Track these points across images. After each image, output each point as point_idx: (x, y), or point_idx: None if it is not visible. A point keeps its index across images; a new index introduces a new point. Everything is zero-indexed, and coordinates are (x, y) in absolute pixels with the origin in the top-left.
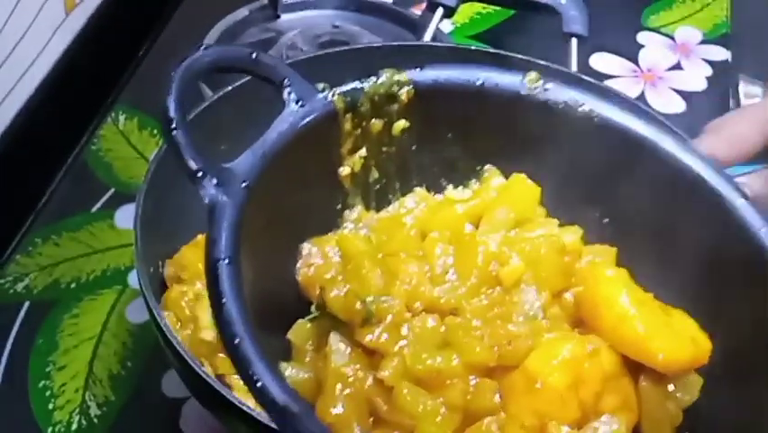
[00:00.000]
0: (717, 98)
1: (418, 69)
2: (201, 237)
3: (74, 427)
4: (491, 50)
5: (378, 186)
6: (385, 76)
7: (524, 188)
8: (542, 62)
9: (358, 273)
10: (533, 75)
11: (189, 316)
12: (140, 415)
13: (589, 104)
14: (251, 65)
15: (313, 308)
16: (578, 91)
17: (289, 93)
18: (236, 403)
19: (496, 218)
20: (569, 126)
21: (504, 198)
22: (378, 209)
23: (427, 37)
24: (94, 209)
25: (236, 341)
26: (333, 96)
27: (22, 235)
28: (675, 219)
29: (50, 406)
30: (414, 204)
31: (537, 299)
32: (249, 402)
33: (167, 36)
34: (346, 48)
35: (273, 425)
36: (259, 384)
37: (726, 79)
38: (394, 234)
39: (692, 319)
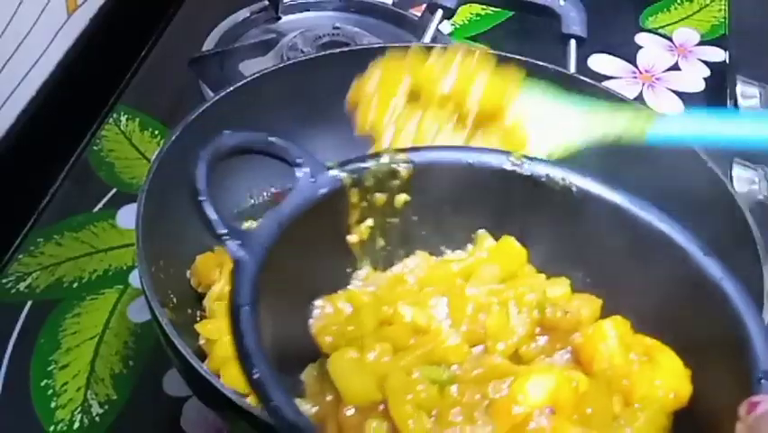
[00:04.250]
0: (714, 99)
1: (416, 151)
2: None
3: (76, 425)
4: (490, 51)
5: (384, 252)
6: (387, 156)
7: (512, 249)
8: (541, 63)
9: (358, 320)
10: (517, 154)
11: None
12: (141, 413)
13: (568, 177)
14: (268, 147)
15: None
16: (558, 167)
17: (302, 170)
18: (236, 401)
19: (484, 274)
20: (551, 196)
21: (493, 257)
22: (384, 270)
23: (427, 38)
24: (96, 209)
25: (254, 372)
26: (341, 173)
27: (24, 235)
28: (649, 274)
29: (53, 405)
30: (415, 264)
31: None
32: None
33: (168, 37)
34: (346, 49)
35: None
36: (273, 405)
37: (724, 80)
38: (395, 289)
39: (678, 363)
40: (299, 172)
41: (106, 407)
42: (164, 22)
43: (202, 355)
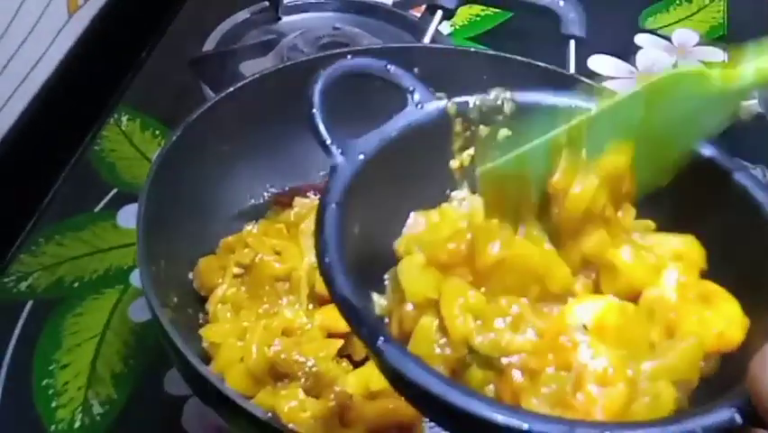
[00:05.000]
0: None
1: (522, 91)
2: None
3: (77, 424)
4: (490, 52)
5: None
6: (493, 93)
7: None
8: (540, 64)
9: (435, 229)
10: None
11: None
12: (142, 413)
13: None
14: (385, 73)
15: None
16: None
17: (412, 96)
18: (237, 401)
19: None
20: None
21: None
22: None
23: (427, 39)
24: (97, 209)
25: (326, 258)
26: (448, 102)
27: (25, 235)
28: (722, 225)
29: (54, 404)
30: None
31: None
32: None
33: (169, 38)
34: (346, 50)
35: None
36: (334, 289)
37: None
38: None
39: (737, 311)
40: (409, 98)
41: (107, 406)
42: (165, 22)
43: (204, 357)
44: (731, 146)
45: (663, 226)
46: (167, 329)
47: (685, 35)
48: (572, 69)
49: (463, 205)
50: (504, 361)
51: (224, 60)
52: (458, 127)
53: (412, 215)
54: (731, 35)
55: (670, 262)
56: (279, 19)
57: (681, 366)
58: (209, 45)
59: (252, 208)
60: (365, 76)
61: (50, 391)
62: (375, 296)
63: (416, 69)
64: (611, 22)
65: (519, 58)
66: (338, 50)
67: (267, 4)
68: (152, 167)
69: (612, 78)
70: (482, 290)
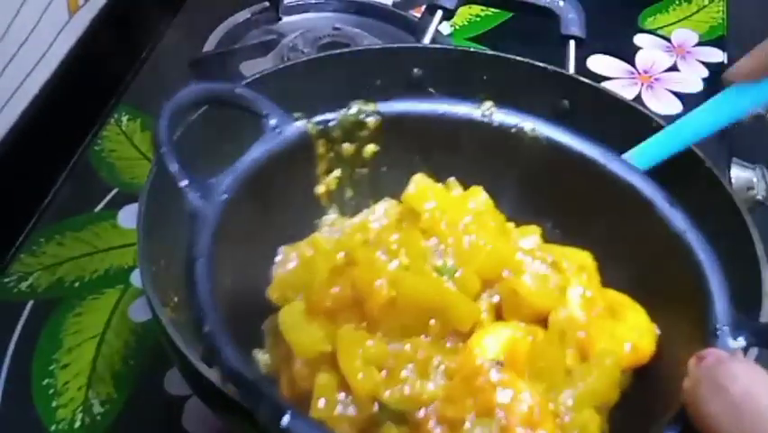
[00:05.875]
0: None
1: (385, 101)
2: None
3: (77, 424)
4: (489, 52)
5: (353, 202)
6: (355, 107)
7: (479, 198)
8: (540, 64)
9: (309, 267)
10: (486, 104)
11: None
12: (142, 413)
13: (538, 128)
14: (234, 98)
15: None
16: (528, 118)
17: (267, 122)
18: (238, 401)
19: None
20: (520, 147)
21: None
22: (352, 217)
23: (427, 39)
24: (97, 209)
25: (205, 325)
26: (307, 123)
27: (25, 235)
28: (616, 226)
29: (54, 404)
30: (383, 211)
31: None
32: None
33: (170, 38)
34: (346, 50)
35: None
36: (220, 358)
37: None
38: (356, 235)
39: (644, 319)
40: (264, 123)
41: (108, 406)
42: (165, 23)
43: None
44: (731, 146)
45: (549, 233)
46: (167, 329)
47: (685, 35)
48: (572, 70)
49: (334, 231)
50: (419, 414)
51: (225, 61)
52: (321, 149)
53: (281, 250)
54: (731, 35)
55: (573, 277)
56: (280, 19)
57: (601, 389)
58: (209, 45)
59: None
60: (212, 102)
61: (51, 391)
62: (256, 352)
63: (415, 70)
64: (611, 22)
65: (519, 58)
66: (338, 51)
67: (267, 4)
68: (152, 167)
69: (611, 78)
70: (378, 334)
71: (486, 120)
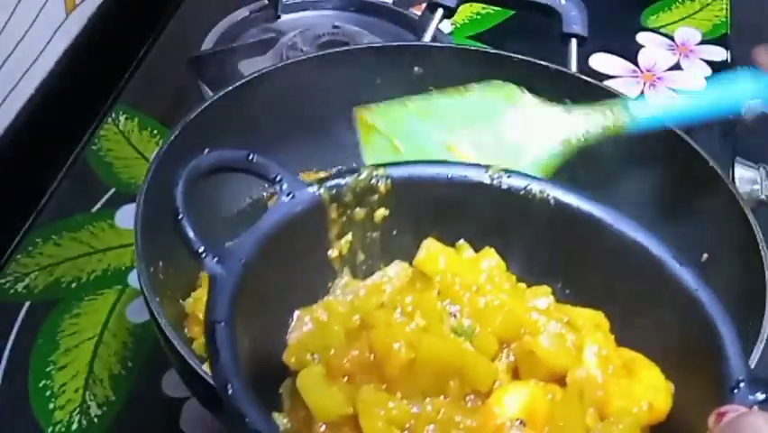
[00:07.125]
0: None
1: (394, 166)
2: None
3: (74, 426)
4: (490, 50)
5: (364, 265)
6: (365, 172)
7: (491, 259)
8: (542, 62)
9: (325, 331)
10: (495, 167)
11: None
12: (140, 414)
13: (546, 190)
14: (248, 165)
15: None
16: (536, 181)
17: (281, 187)
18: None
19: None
20: (529, 209)
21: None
22: (364, 279)
23: (427, 37)
24: (94, 209)
25: (228, 388)
26: (319, 189)
27: (22, 235)
28: (626, 286)
29: (51, 406)
30: (395, 273)
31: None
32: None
33: (167, 36)
34: (346, 48)
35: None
36: (246, 422)
37: None
38: (371, 298)
39: (659, 377)
40: (278, 189)
41: (105, 408)
42: (163, 21)
43: (201, 357)
44: (733, 146)
45: (560, 293)
46: (165, 330)
47: (687, 34)
48: (574, 68)
49: (347, 293)
50: None
51: (223, 59)
52: (333, 213)
53: (296, 314)
54: (734, 34)
55: (589, 335)
56: (279, 17)
57: None
58: (208, 44)
59: (251, 208)
60: (226, 170)
61: (48, 393)
62: (276, 416)
63: (416, 68)
64: (613, 20)
65: (520, 56)
66: (338, 49)
67: (266, 2)
68: (150, 166)
69: (614, 76)
70: (398, 395)
71: (495, 183)
